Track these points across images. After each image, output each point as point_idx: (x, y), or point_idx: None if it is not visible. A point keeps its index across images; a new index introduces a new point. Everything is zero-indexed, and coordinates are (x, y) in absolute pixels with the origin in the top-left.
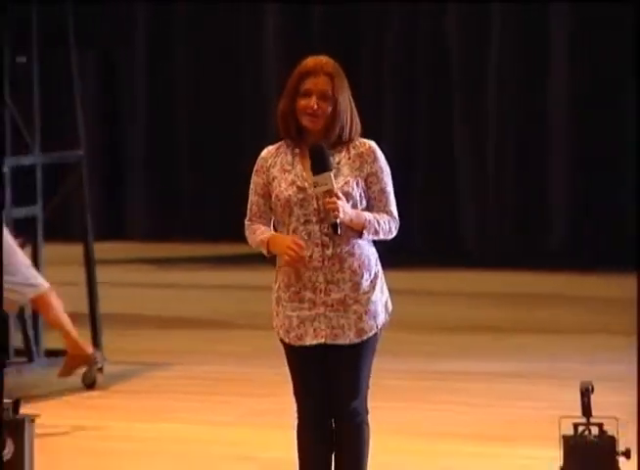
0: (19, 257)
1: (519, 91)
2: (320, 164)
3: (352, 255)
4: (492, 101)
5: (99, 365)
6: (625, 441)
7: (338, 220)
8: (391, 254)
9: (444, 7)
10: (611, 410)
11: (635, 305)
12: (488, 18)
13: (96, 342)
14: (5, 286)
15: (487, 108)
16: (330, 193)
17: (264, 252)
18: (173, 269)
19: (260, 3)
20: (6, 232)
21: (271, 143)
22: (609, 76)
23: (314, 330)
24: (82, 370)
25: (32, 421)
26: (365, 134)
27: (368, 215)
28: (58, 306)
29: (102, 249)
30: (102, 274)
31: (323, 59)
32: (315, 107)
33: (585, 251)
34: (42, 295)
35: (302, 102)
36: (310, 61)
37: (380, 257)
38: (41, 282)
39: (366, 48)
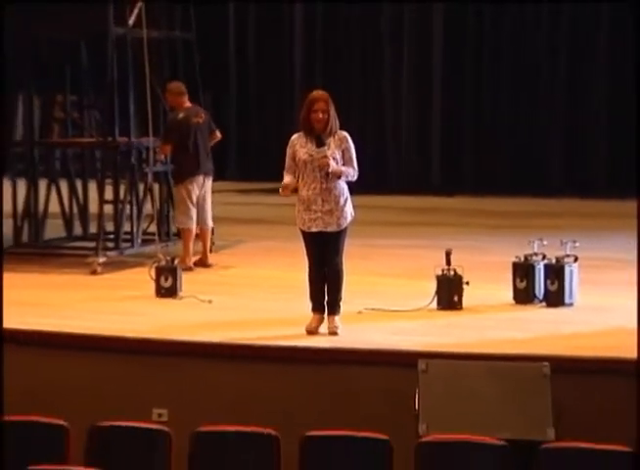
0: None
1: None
2: (320, 144)
3: (335, 188)
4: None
5: (212, 242)
6: (466, 277)
7: (329, 170)
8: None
9: (380, 9)
10: (460, 263)
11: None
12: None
13: (212, 231)
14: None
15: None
16: (325, 157)
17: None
18: (250, 195)
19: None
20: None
21: (296, 131)
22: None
23: (316, 225)
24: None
25: (180, 267)
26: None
27: (344, 168)
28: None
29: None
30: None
31: (320, 92)
32: (322, 118)
33: (459, 180)
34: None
35: (314, 115)
36: (315, 93)
37: (349, 187)
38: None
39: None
